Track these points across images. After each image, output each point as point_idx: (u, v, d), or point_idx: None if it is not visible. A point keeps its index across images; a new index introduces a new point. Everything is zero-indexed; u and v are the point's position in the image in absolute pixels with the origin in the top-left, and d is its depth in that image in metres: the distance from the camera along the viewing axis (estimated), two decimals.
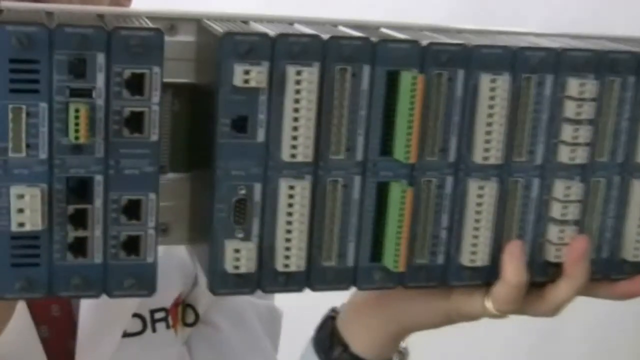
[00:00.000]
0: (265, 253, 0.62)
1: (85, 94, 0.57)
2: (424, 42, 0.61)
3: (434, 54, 0.61)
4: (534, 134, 0.65)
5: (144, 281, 0.60)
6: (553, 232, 0.66)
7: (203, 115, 0.62)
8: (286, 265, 0.61)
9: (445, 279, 0.66)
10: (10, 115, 0.56)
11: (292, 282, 0.63)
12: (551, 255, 0.67)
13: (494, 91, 0.62)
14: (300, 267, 0.61)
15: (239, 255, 0.60)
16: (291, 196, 0.61)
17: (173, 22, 0.64)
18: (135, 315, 0.86)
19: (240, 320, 0.93)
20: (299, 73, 0.59)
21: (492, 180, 0.64)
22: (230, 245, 0.60)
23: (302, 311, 0.97)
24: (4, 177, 0.56)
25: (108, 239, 0.59)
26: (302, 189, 0.61)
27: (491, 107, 0.63)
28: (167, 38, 0.61)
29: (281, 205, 0.61)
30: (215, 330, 0.93)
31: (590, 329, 1.87)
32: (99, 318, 0.82)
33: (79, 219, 0.58)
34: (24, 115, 0.56)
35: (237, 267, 0.61)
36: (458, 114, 0.63)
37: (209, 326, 0.93)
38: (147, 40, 0.57)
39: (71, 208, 0.58)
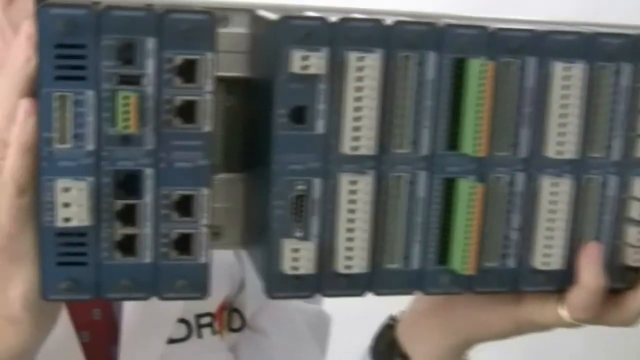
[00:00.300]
0: (325, 254, 0.58)
1: (134, 81, 0.53)
2: (493, 28, 0.57)
3: (504, 40, 0.58)
4: (610, 127, 0.60)
5: (197, 283, 0.56)
6: (632, 234, 0.62)
7: (258, 111, 0.59)
8: (347, 267, 0.57)
9: (516, 283, 0.61)
10: (56, 104, 0.53)
11: (354, 285, 0.58)
12: (630, 259, 0.62)
13: (568, 80, 0.58)
14: (363, 269, 0.57)
15: (298, 255, 0.56)
16: (353, 192, 0.57)
17: (225, 13, 0.61)
18: (180, 320, 0.82)
19: (288, 325, 0.89)
20: (360, 59, 0.55)
21: (567, 177, 0.60)
22: (288, 245, 0.57)
23: (351, 316, 0.93)
24: (48, 169, 0.53)
25: (158, 237, 0.55)
26: (365, 184, 0.57)
27: (565, 97, 0.58)
28: (219, 30, 0.59)
29: (342, 202, 0.57)
30: (262, 336, 0.89)
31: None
32: (142, 323, 0.78)
33: (128, 215, 0.55)
34: (69, 104, 0.53)
35: (295, 269, 0.57)
36: (529, 106, 0.59)
37: (255, 332, 0.89)
38: (199, 24, 0.54)
39: (119, 203, 0.55)
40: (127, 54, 0.53)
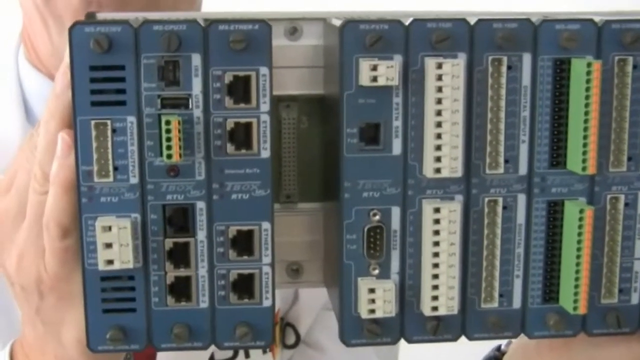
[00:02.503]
0: (408, 294, 0.50)
1: (180, 104, 0.47)
2: (599, 20, 0.48)
3: (614, 34, 0.48)
4: None
5: (260, 329, 0.50)
6: None
7: (331, 133, 0.51)
8: (434, 308, 0.49)
9: None
10: (94, 133, 0.47)
11: (444, 330, 0.50)
12: None
13: None
14: (453, 310, 0.49)
15: (375, 296, 0.49)
16: (437, 221, 0.48)
17: (295, 24, 0.54)
18: None
19: None
20: (440, 66, 0.47)
21: None
22: (363, 285, 0.49)
23: None
24: (89, 206, 0.48)
25: (215, 278, 0.49)
26: (451, 211, 0.48)
27: None
28: (289, 42, 0.53)
29: (426, 233, 0.49)
30: (319, 352, 0.82)
31: None
32: None
33: (180, 255, 0.49)
34: (109, 132, 0.47)
35: (372, 311, 0.49)
36: None
37: (312, 348, 0.82)
38: (251, 34, 0.47)
39: (169, 242, 0.48)
40: (171, 73, 0.47)
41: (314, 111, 0.54)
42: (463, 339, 0.52)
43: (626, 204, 0.50)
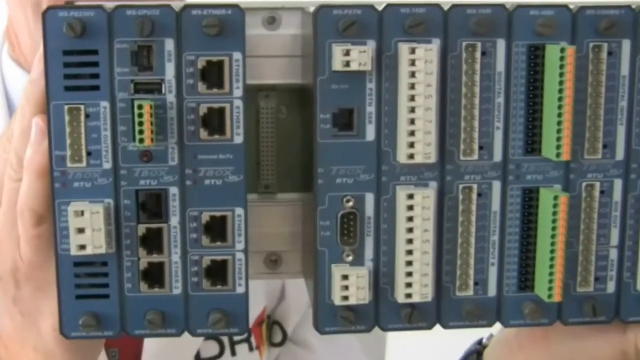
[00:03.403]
0: (382, 281, 0.49)
1: (153, 89, 0.47)
2: (573, 6, 0.48)
3: (589, 20, 0.48)
4: None
5: (234, 316, 0.49)
6: None
7: (307, 121, 0.51)
8: (408, 295, 0.49)
9: (617, 312, 0.51)
10: (67, 118, 0.47)
11: (419, 317, 0.50)
12: None
13: None
14: (427, 297, 0.49)
15: (348, 283, 0.49)
16: (411, 208, 0.48)
17: (273, 13, 0.53)
18: (211, 336, 0.75)
19: (336, 338, 0.80)
20: (413, 51, 0.47)
21: None
22: (337, 272, 0.49)
23: None
24: (63, 191, 0.48)
25: (188, 264, 0.49)
26: (425, 198, 0.48)
27: None
28: (267, 32, 0.52)
29: (399, 219, 0.49)
30: (306, 350, 0.82)
31: None
32: (166, 340, 0.72)
33: (153, 241, 0.49)
34: (82, 117, 0.47)
35: (345, 298, 0.49)
36: (625, 98, 0.49)
37: (299, 345, 0.82)
38: (225, 19, 0.47)
39: (142, 228, 0.48)
40: (144, 58, 0.47)
41: (293, 101, 0.54)
42: (446, 332, 0.51)
43: (602, 192, 0.50)
